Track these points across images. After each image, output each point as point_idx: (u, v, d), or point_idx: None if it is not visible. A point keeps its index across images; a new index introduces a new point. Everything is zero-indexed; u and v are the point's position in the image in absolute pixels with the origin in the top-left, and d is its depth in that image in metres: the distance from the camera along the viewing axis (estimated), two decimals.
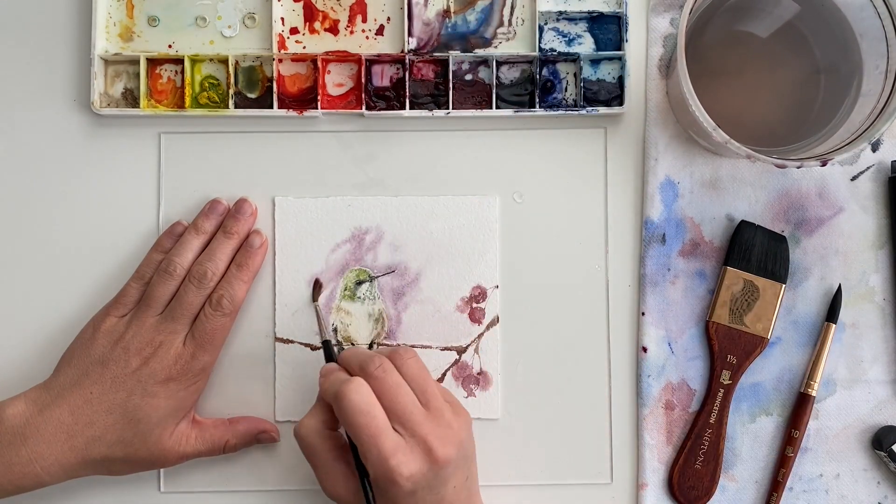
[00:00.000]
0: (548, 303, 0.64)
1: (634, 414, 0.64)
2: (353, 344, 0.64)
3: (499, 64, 0.65)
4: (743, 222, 0.64)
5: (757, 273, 0.63)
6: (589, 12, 0.65)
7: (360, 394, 0.54)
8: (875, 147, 0.65)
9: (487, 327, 0.64)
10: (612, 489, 0.64)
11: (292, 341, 0.64)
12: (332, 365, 0.58)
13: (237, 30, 0.65)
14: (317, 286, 0.63)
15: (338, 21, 0.65)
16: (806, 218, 0.64)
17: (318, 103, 0.64)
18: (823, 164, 0.56)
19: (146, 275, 0.62)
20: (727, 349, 0.63)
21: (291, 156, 0.65)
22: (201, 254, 0.63)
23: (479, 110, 0.64)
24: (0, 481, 0.58)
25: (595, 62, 0.65)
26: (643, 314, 0.64)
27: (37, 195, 0.65)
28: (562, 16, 0.65)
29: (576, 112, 0.64)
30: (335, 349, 0.62)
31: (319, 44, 0.65)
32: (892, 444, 0.63)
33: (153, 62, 0.65)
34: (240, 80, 0.65)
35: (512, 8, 0.65)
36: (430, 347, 0.64)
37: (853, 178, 0.65)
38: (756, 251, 0.63)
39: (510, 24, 0.65)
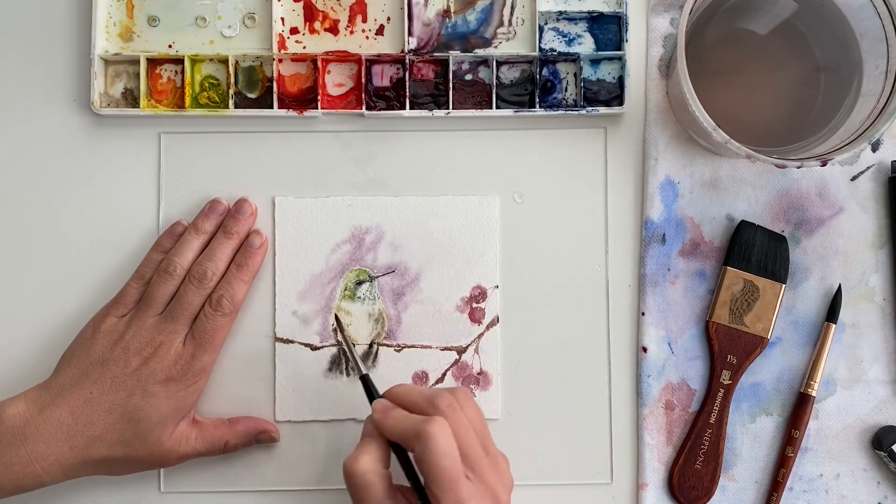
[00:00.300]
0: (548, 303, 0.64)
1: (634, 414, 0.64)
2: (353, 345, 0.64)
3: (499, 64, 0.65)
4: (743, 222, 0.64)
5: (757, 273, 0.63)
6: (589, 12, 0.65)
7: (446, 435, 0.52)
8: (875, 147, 0.65)
9: (487, 327, 0.64)
10: (612, 489, 0.64)
11: (292, 341, 0.64)
12: (386, 402, 0.56)
13: (237, 30, 0.65)
14: (338, 320, 0.63)
15: (338, 21, 0.65)
16: (806, 218, 0.64)
17: (318, 103, 0.64)
18: (823, 164, 0.56)
19: (146, 275, 0.62)
20: (727, 349, 0.63)
21: (291, 156, 0.65)
22: (201, 254, 0.63)
23: (479, 110, 0.64)
24: (0, 481, 0.58)
25: (595, 62, 0.65)
26: (643, 314, 0.64)
27: (37, 195, 0.65)
28: (562, 16, 0.65)
29: (576, 112, 0.64)
30: (375, 386, 0.59)
31: (319, 44, 0.65)
32: (892, 444, 0.63)
33: (153, 62, 0.65)
34: (240, 80, 0.65)
35: (512, 8, 0.65)
36: (430, 347, 0.64)
37: (853, 178, 0.65)
38: (756, 251, 0.63)
39: (510, 24, 0.65)
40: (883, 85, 0.58)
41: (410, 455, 0.54)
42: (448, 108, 0.64)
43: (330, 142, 0.65)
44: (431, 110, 0.64)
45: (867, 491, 0.64)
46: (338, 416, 0.64)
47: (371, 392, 0.59)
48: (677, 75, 0.57)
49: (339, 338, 0.62)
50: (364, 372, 0.59)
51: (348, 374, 0.64)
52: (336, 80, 0.65)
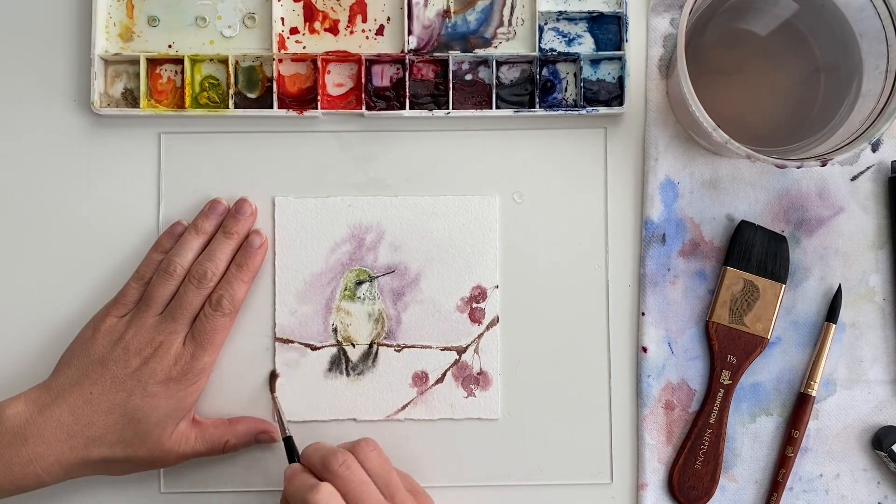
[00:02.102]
0: (548, 303, 0.64)
1: (634, 414, 0.64)
2: (353, 345, 0.64)
3: (499, 64, 0.65)
4: (743, 222, 0.64)
5: (757, 273, 0.63)
6: (589, 12, 0.65)
7: (326, 503, 0.53)
8: (875, 147, 0.65)
9: (487, 327, 0.64)
10: (612, 489, 0.64)
11: (292, 341, 0.64)
12: (296, 466, 0.57)
13: (237, 30, 0.65)
14: (273, 377, 0.63)
15: (338, 21, 0.65)
16: (806, 218, 0.64)
17: (318, 103, 0.64)
18: (823, 164, 0.56)
19: (146, 275, 0.62)
20: (727, 349, 0.63)
21: (291, 156, 0.65)
22: (201, 254, 0.63)
23: (479, 110, 0.64)
24: (0, 481, 0.58)
25: (595, 62, 0.65)
26: (643, 314, 0.64)
27: (37, 195, 0.65)
28: (562, 16, 0.65)
29: (576, 112, 0.64)
30: (296, 448, 0.60)
31: (319, 44, 0.65)
32: (892, 444, 0.63)
33: (153, 62, 0.65)
34: (240, 80, 0.65)
35: (512, 8, 0.65)
36: (430, 347, 0.64)
37: (853, 178, 0.65)
38: (756, 251, 0.63)
39: (510, 24, 0.65)
40: (883, 85, 0.58)
41: None
42: (448, 108, 0.64)
43: (330, 142, 0.65)
44: (431, 110, 0.64)
45: (867, 491, 0.64)
46: (338, 416, 0.64)
47: (291, 455, 0.60)
48: (677, 75, 0.57)
49: (273, 396, 0.63)
50: (288, 435, 0.60)
51: (348, 375, 0.64)
52: (336, 80, 0.65)
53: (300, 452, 0.59)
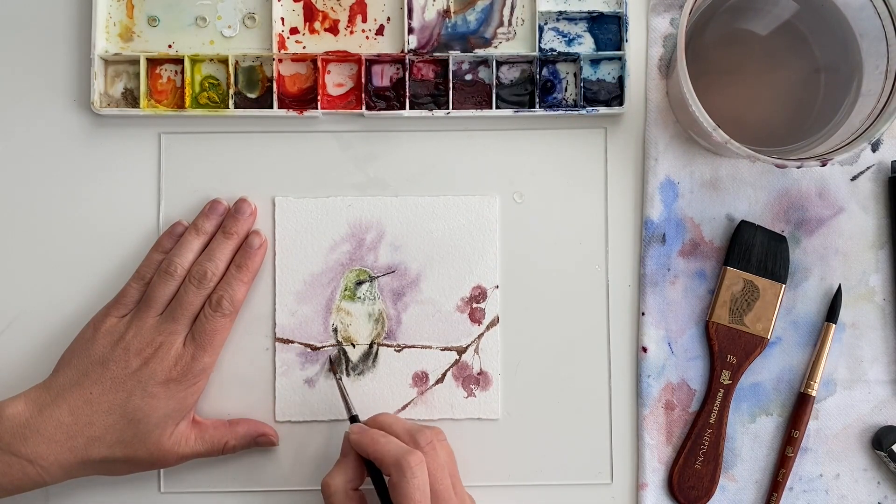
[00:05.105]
0: (548, 303, 0.64)
1: (634, 414, 0.64)
2: (353, 345, 0.64)
3: (499, 64, 0.65)
4: (743, 222, 0.64)
5: (757, 273, 0.63)
6: (589, 12, 0.65)
7: (422, 471, 0.55)
8: (875, 147, 0.65)
9: (487, 327, 0.64)
10: (612, 489, 0.64)
11: (292, 341, 0.64)
12: (361, 425, 0.59)
13: (237, 30, 0.65)
14: (331, 362, 0.64)
15: (338, 21, 0.65)
16: (806, 218, 0.65)
17: (318, 103, 0.64)
18: (823, 164, 0.56)
19: (146, 275, 0.62)
20: (727, 349, 0.63)
21: (291, 156, 0.65)
22: (201, 254, 0.63)
23: (479, 110, 0.64)
24: (0, 481, 0.58)
25: (595, 62, 0.65)
26: (643, 314, 0.64)
27: (37, 195, 0.65)
28: (562, 16, 0.65)
29: (576, 112, 0.64)
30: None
31: (319, 44, 0.65)
32: (892, 444, 0.63)
33: (153, 62, 0.65)
34: (240, 80, 0.65)
35: (512, 8, 0.65)
36: (430, 347, 0.64)
37: (853, 178, 0.65)
38: (756, 251, 0.63)
39: (510, 24, 0.65)
40: (883, 85, 0.58)
41: (386, 478, 0.56)
42: (448, 108, 0.64)
43: (330, 142, 0.65)
44: (431, 110, 0.64)
45: (867, 491, 0.64)
46: (338, 417, 0.64)
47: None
48: (677, 75, 0.57)
49: (334, 379, 0.64)
50: (354, 413, 0.61)
51: (348, 375, 0.64)
52: (336, 80, 0.65)
53: (367, 419, 0.60)
